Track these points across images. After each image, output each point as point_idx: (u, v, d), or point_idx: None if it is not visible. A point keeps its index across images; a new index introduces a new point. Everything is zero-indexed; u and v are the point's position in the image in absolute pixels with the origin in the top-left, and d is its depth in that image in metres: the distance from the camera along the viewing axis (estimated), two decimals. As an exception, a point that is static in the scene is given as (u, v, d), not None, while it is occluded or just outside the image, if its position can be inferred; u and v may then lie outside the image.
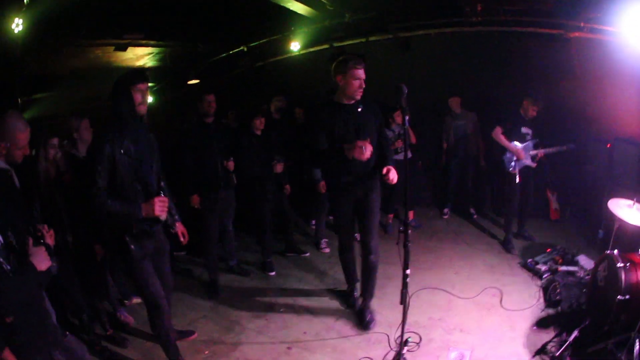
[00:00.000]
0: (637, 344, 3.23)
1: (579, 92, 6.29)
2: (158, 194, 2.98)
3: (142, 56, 7.91)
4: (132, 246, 2.97)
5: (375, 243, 3.97)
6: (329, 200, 4.58)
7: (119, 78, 2.93)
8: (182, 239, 3.45)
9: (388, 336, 3.86)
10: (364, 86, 3.62)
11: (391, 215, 6.69)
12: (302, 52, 7.58)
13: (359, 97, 3.66)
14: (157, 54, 7.95)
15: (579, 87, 6.28)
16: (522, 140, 5.58)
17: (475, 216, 7.09)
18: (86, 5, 5.27)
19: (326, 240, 5.96)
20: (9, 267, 2.12)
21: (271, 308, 4.43)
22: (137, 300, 4.26)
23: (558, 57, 6.37)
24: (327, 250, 5.85)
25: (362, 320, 4.08)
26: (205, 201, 4.51)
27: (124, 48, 7.23)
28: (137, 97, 2.89)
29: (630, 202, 3.84)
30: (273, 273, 5.22)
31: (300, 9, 5.98)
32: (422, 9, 6.44)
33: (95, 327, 3.84)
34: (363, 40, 7.08)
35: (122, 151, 2.83)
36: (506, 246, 5.79)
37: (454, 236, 6.40)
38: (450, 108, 6.95)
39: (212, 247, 4.71)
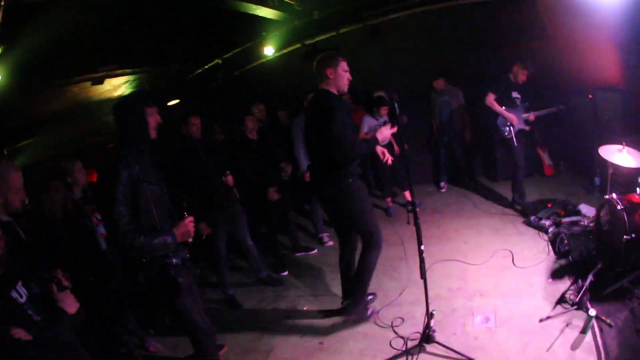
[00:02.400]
0: None
1: (553, 50, 6.41)
2: (182, 216, 2.77)
3: (119, 86, 7.90)
4: (180, 279, 2.72)
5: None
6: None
7: (129, 99, 2.78)
8: None
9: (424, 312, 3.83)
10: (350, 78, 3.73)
11: (389, 199, 6.81)
12: (276, 55, 7.65)
13: (346, 90, 3.76)
14: (133, 81, 7.95)
15: (553, 45, 6.41)
16: (513, 104, 5.70)
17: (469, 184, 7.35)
18: (58, 44, 5.26)
19: (327, 234, 6.02)
20: (39, 318, 2.12)
21: (294, 308, 4.49)
22: (153, 347, 4.16)
23: (528, 19, 6.49)
24: (331, 243, 5.91)
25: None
26: (209, 222, 4.44)
27: (100, 81, 7.22)
28: (151, 120, 2.75)
29: (619, 146, 3.98)
30: (285, 273, 5.28)
31: (269, 13, 6.02)
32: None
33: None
34: (334, 33, 7.14)
35: (140, 177, 2.60)
36: (525, 208, 5.83)
37: (455, 207, 6.55)
38: (434, 87, 7.16)
39: (222, 267, 4.71)
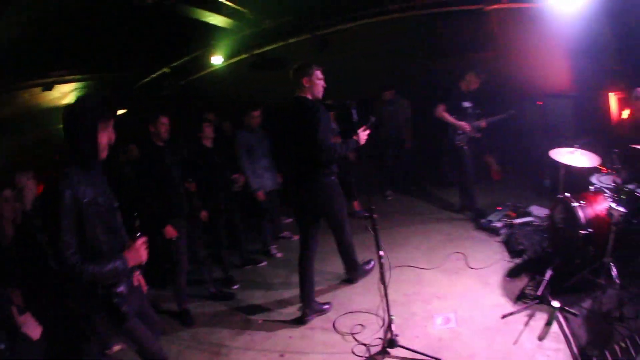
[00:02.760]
0: (612, 267, 3.57)
1: (505, 60, 6.68)
2: (133, 237, 2.55)
3: (67, 93, 7.60)
4: (124, 307, 2.48)
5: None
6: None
7: (81, 109, 2.38)
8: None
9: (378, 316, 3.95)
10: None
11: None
12: (224, 64, 7.53)
13: (321, 97, 4.03)
14: (82, 88, 7.66)
15: (504, 55, 6.66)
16: (464, 113, 5.79)
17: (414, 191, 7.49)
18: (9, 47, 5.04)
19: (275, 246, 5.94)
20: (3, 346, 1.94)
21: (249, 322, 4.33)
22: (117, 347, 4.00)
23: (479, 30, 6.73)
24: (280, 255, 5.83)
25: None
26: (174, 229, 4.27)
27: (50, 87, 6.94)
28: (103, 138, 2.40)
29: (571, 148, 4.17)
30: (236, 287, 5.12)
31: (221, 21, 5.90)
32: (340, 5, 6.51)
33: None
34: (282, 43, 7.11)
35: (86, 198, 2.30)
36: (477, 213, 5.90)
37: (403, 215, 6.56)
38: (382, 97, 7.24)
39: (183, 277, 4.49)
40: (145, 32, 6.15)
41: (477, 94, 5.88)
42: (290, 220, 6.55)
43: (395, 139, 7.37)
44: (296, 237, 6.00)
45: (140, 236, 2.54)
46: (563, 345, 3.21)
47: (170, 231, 4.19)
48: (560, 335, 3.32)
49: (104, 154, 2.44)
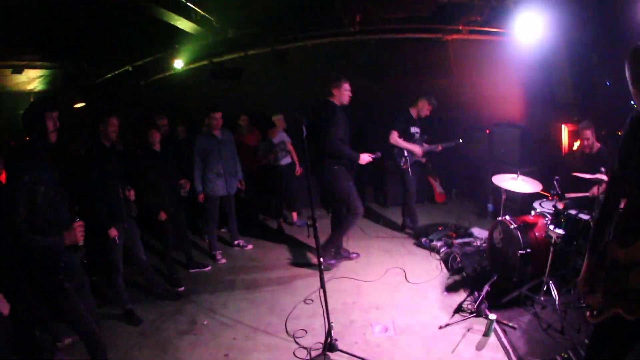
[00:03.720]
0: (550, 284, 3.85)
1: (457, 88, 6.97)
2: (73, 220, 2.90)
3: (33, 79, 7.46)
4: (67, 284, 2.85)
5: None
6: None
7: (31, 105, 2.95)
8: None
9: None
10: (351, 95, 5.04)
11: (281, 220, 6.95)
12: (184, 69, 7.59)
13: (347, 103, 5.09)
14: (47, 76, 7.53)
15: (457, 84, 6.97)
16: (410, 138, 6.04)
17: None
18: None
19: (220, 251, 5.96)
20: None
21: (195, 322, 4.36)
22: (68, 340, 3.93)
23: (435, 58, 7.01)
24: (224, 261, 5.86)
25: None
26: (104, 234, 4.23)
27: (20, 71, 6.87)
28: (49, 124, 2.90)
29: (514, 175, 4.48)
30: (182, 289, 5.13)
31: (188, 26, 5.95)
32: (301, 22, 6.71)
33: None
34: (242, 54, 7.27)
35: (37, 180, 2.77)
36: (417, 232, 6.17)
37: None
38: None
39: (121, 279, 4.45)
40: (113, 28, 6.11)
41: (427, 120, 6.12)
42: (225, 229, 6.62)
43: None
44: (250, 247, 6.23)
45: (77, 220, 2.90)
46: (502, 355, 3.41)
47: (114, 232, 4.20)
48: (498, 346, 3.52)
49: (52, 136, 2.93)
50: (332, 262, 5.39)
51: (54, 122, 2.93)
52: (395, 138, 5.98)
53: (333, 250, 5.45)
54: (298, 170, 6.78)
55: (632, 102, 1.98)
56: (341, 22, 6.42)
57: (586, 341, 3.16)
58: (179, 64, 7.40)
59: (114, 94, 8.13)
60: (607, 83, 5.14)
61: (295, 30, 6.87)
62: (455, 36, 6.29)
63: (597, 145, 4.70)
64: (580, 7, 4.85)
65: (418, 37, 6.51)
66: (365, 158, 5.04)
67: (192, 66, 7.63)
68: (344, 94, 5.02)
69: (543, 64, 5.75)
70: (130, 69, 7.71)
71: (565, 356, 3.22)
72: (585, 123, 4.72)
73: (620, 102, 1.86)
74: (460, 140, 6.25)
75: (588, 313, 2.20)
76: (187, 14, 5.74)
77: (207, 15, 5.99)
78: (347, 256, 5.55)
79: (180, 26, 5.89)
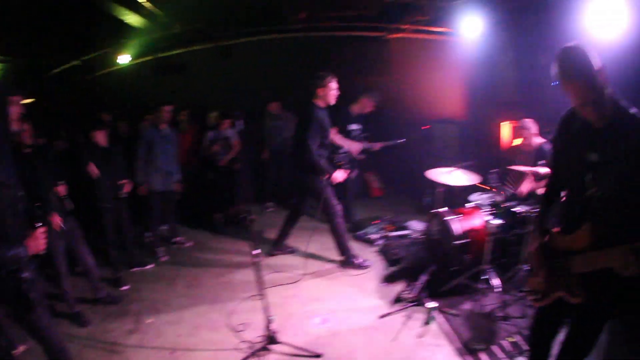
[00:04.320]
0: (489, 273, 4.03)
1: (397, 85, 7.13)
2: (32, 225, 2.50)
3: None
4: (32, 294, 2.49)
5: None
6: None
7: None
8: None
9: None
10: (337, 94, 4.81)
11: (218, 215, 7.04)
12: (130, 63, 7.51)
13: (333, 103, 4.90)
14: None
15: (396, 81, 7.13)
16: (349, 135, 6.06)
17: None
18: None
19: (163, 249, 5.94)
20: None
21: (139, 322, 4.37)
22: (23, 347, 3.82)
23: (378, 57, 7.16)
24: (166, 258, 5.86)
25: None
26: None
27: None
28: (13, 111, 2.58)
29: (449, 169, 4.62)
30: (127, 287, 5.10)
31: (136, 21, 5.91)
32: (246, 18, 6.75)
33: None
34: (187, 49, 7.29)
35: None
36: (354, 225, 6.23)
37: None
38: (269, 111, 7.38)
39: (66, 279, 4.37)
40: (60, 20, 5.99)
41: (367, 117, 6.19)
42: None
43: (279, 153, 7.45)
44: (189, 244, 6.25)
45: (40, 225, 2.53)
46: (444, 342, 3.57)
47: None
48: (440, 333, 3.69)
49: (15, 124, 2.63)
50: (361, 260, 5.15)
51: (18, 109, 2.62)
52: (333, 134, 5.95)
53: (349, 255, 5.18)
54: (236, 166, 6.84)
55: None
56: (286, 19, 6.52)
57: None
58: (125, 58, 7.31)
59: (63, 89, 7.93)
60: (553, 83, 5.31)
61: (241, 26, 6.93)
62: (398, 35, 6.44)
63: (538, 141, 4.75)
64: (528, 11, 4.97)
65: (361, 35, 6.65)
66: (338, 177, 4.93)
67: (138, 61, 7.57)
68: (329, 93, 4.80)
69: (487, 63, 5.90)
70: (79, 63, 7.58)
71: (513, 340, 3.39)
72: (525, 120, 4.83)
73: (567, 101, 2.06)
74: (403, 140, 6.31)
75: (532, 297, 2.31)
76: (136, 9, 5.72)
77: (155, 10, 5.95)
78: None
79: (127, 20, 5.86)
